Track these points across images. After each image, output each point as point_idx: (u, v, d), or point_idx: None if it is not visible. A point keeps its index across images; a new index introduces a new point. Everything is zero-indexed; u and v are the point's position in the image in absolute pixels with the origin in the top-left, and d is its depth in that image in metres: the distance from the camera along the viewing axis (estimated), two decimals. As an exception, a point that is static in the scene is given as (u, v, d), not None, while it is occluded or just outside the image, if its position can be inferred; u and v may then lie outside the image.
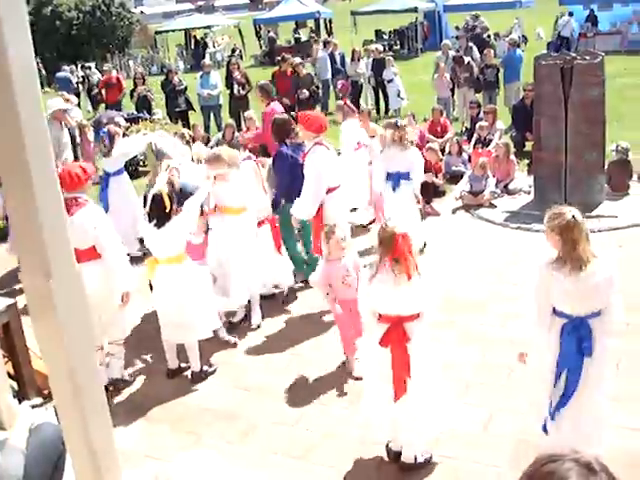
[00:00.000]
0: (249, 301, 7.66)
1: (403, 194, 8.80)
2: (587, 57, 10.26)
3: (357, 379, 6.09)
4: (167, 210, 6.24)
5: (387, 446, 5.27)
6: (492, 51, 17.48)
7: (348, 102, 12.03)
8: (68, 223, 5.97)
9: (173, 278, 6.34)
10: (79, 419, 2.42)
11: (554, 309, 4.64)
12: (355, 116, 10.86)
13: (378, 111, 19.48)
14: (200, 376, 6.64)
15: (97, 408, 2.50)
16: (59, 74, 23.44)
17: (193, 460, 2.61)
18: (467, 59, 16.96)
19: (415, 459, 5.12)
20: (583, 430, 4.66)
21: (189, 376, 6.66)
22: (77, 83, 24.18)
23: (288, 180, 7.84)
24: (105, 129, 9.95)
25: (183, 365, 6.75)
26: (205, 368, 6.71)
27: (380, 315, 4.94)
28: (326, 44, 22.34)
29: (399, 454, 5.16)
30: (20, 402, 5.12)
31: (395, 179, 8.82)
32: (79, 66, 28.49)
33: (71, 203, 6.07)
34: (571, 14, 28.46)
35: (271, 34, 37.27)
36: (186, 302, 6.34)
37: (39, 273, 2.18)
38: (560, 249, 4.48)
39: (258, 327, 7.61)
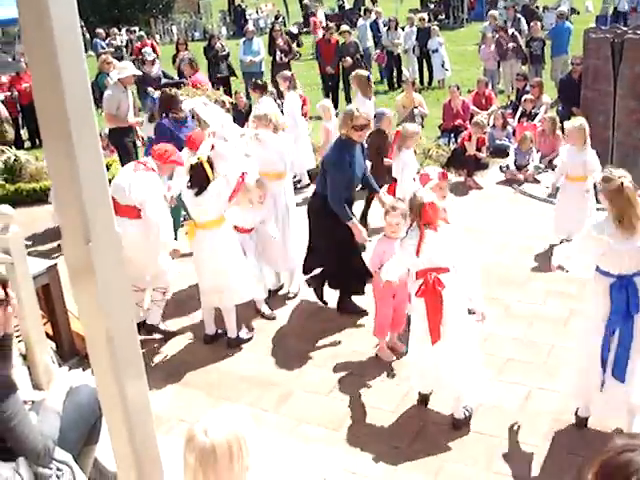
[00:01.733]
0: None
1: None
2: (638, 32, 9.98)
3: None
4: (207, 178, 6.23)
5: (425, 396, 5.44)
6: (539, 23, 17.13)
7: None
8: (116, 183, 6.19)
9: (211, 242, 6.33)
10: (115, 381, 2.41)
11: (598, 268, 4.76)
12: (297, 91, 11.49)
13: (422, 81, 19.26)
14: (236, 342, 6.66)
15: (134, 371, 2.50)
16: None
17: (226, 414, 2.73)
18: (512, 30, 16.63)
19: (465, 414, 5.24)
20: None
21: (226, 342, 6.68)
22: (118, 47, 24.23)
23: None
24: (156, 95, 9.97)
25: (220, 331, 6.76)
26: (242, 335, 6.72)
27: (416, 273, 5.09)
28: (366, 12, 22.03)
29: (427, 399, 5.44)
30: (59, 364, 5.20)
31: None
32: (123, 30, 28.60)
33: (139, 164, 6.61)
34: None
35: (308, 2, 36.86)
36: (224, 266, 6.34)
37: (79, 236, 2.15)
38: (610, 211, 4.62)
39: (295, 296, 7.60)
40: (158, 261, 6.57)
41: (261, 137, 7.24)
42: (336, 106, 16.92)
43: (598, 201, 5.56)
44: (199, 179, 6.25)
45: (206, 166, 6.21)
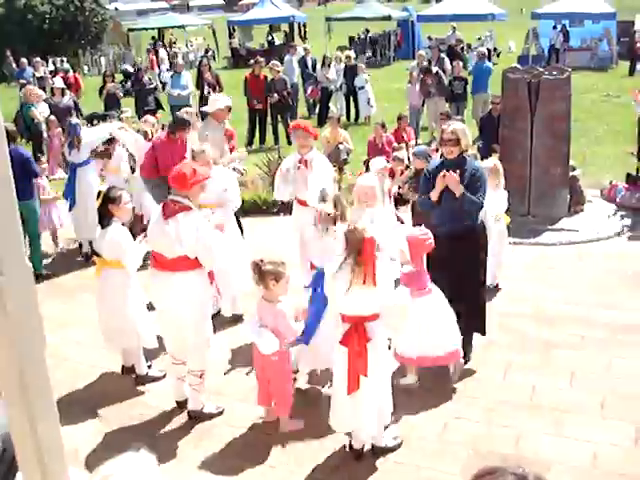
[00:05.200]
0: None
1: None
2: (555, 72, 10.40)
3: None
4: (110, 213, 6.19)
5: (350, 444, 5.36)
6: (461, 63, 17.63)
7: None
8: (158, 228, 5.59)
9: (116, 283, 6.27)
10: (26, 417, 2.39)
11: None
12: None
13: (348, 118, 19.56)
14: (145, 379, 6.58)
15: (45, 407, 2.47)
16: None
17: (127, 464, 2.62)
18: (435, 69, 17.06)
19: (386, 444, 5.31)
20: None
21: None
22: (41, 78, 23.94)
23: None
24: (73, 121, 9.91)
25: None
26: (151, 373, 6.63)
27: (343, 315, 5.06)
28: (290, 48, 22.29)
29: (360, 452, 5.29)
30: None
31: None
32: (50, 60, 28.26)
33: (171, 205, 5.62)
34: (555, 27, 28.94)
35: (233, 41, 37.16)
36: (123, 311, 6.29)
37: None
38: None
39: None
40: (201, 328, 5.82)
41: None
42: (263, 141, 17.06)
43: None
44: (101, 209, 6.25)
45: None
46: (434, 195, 6.20)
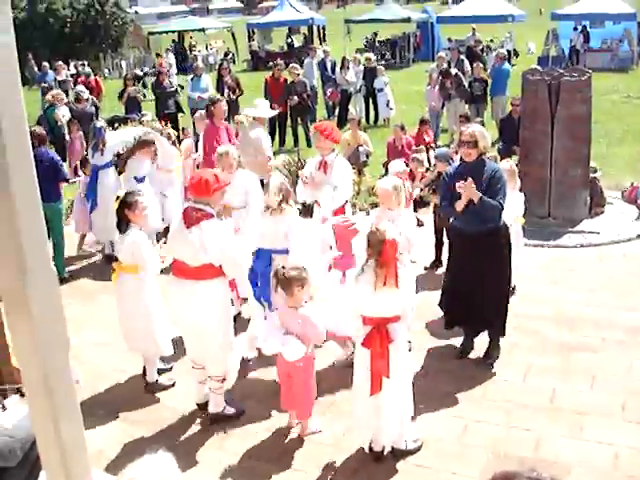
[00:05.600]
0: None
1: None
2: (575, 74, 10.35)
3: None
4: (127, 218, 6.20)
5: (370, 446, 5.34)
6: (481, 65, 17.55)
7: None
8: (180, 236, 5.56)
9: (131, 289, 6.28)
10: (50, 420, 2.42)
11: None
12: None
13: (368, 120, 19.55)
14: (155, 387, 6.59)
15: (69, 410, 2.50)
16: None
17: (149, 466, 2.65)
18: (454, 71, 17.02)
19: (406, 446, 5.33)
20: None
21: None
22: (62, 81, 24.18)
23: None
24: (98, 124, 10.02)
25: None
26: (161, 381, 6.65)
27: (364, 317, 5.09)
28: (310, 51, 22.33)
29: (381, 454, 5.28)
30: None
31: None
32: (71, 64, 28.50)
33: (192, 213, 5.55)
34: (575, 29, 28.82)
35: (253, 43, 37.29)
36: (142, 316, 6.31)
37: (14, 271, 2.18)
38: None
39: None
40: (223, 334, 5.80)
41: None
42: (282, 143, 17.12)
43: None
44: (119, 214, 6.24)
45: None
46: (459, 206, 6.17)
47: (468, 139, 6.21)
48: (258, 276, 6.44)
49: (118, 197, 6.29)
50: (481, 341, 6.75)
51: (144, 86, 26.00)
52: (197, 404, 6.11)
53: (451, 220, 6.67)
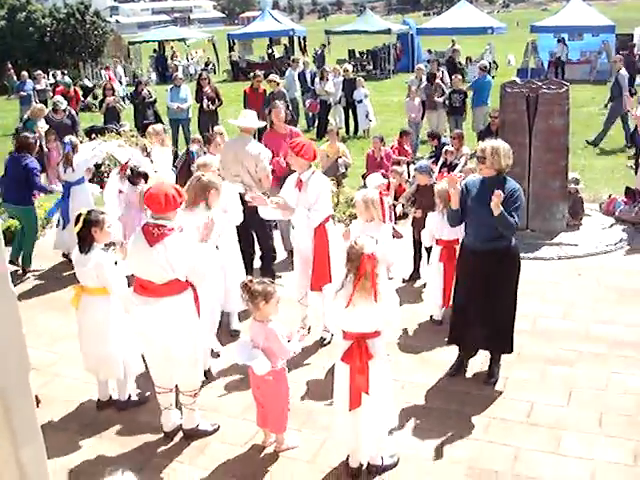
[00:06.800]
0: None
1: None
2: (553, 86, 10.38)
3: None
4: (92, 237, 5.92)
5: (347, 463, 5.28)
6: (460, 77, 17.59)
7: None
8: (144, 254, 5.24)
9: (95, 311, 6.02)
10: (9, 438, 2.36)
11: None
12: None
13: (347, 131, 19.56)
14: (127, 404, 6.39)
15: (28, 427, 2.44)
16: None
17: None
18: (438, 80, 17.11)
19: (382, 461, 5.28)
20: None
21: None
22: (41, 91, 24.09)
23: None
24: (67, 139, 9.90)
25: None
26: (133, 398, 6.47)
27: (344, 332, 5.04)
28: (291, 62, 22.34)
29: (358, 470, 5.23)
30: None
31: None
32: (50, 73, 28.35)
33: (153, 230, 5.31)
34: (559, 41, 29.02)
35: (233, 54, 37.22)
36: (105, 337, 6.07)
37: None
38: None
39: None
40: (192, 348, 5.64)
41: None
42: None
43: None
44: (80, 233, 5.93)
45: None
46: (495, 211, 5.98)
47: (479, 154, 6.21)
48: None
49: (79, 215, 5.93)
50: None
51: (94, 97, 26.20)
52: (164, 432, 5.89)
53: (461, 238, 6.63)
